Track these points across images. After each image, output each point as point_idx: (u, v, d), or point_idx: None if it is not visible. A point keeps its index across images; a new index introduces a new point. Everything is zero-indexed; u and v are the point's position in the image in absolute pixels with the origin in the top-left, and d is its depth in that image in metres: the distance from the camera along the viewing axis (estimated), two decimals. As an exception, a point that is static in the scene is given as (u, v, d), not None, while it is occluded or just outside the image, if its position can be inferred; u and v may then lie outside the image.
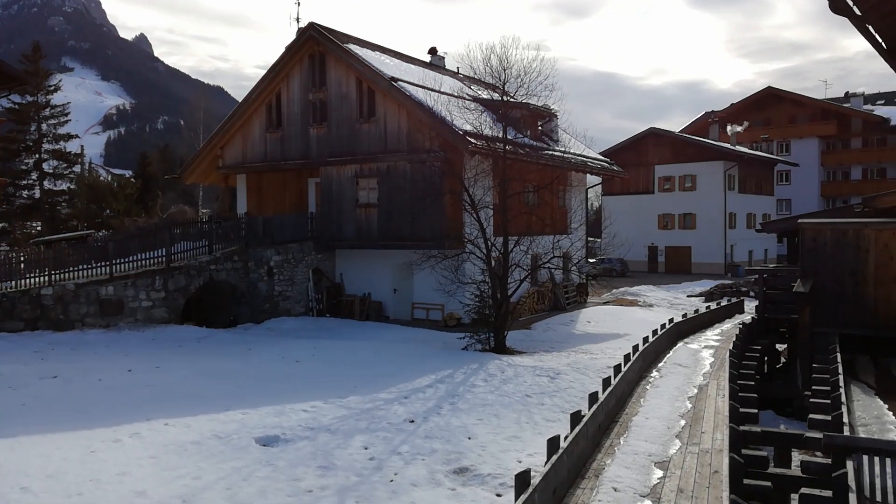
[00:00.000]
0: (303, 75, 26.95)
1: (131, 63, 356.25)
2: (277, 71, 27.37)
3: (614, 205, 51.42)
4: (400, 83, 24.31)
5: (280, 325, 23.25)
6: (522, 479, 5.89)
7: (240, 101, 29.44)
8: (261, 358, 17.54)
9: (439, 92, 24.26)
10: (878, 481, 6.74)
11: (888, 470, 6.82)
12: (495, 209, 21.70)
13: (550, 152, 27.44)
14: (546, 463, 6.71)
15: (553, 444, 7.06)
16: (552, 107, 27.87)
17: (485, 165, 22.40)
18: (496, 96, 22.12)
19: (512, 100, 22.22)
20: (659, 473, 7.68)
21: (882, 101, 63.82)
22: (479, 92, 26.45)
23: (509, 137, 22.12)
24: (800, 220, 15.98)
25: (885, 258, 14.13)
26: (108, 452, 10.28)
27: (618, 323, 25.43)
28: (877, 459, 6.95)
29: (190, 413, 12.43)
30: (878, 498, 6.57)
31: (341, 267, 27.02)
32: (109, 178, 61.81)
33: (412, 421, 12.34)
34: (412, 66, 28.91)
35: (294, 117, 27.38)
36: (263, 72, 28.13)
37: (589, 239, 46.50)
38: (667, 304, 31.93)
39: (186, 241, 23.65)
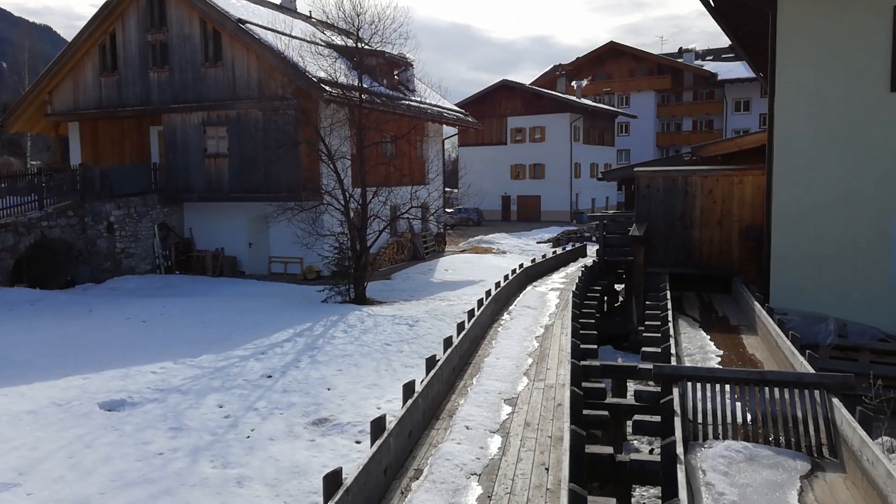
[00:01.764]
0: (140, 14, 24.88)
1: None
2: (112, 8, 25.03)
3: (470, 156, 52.38)
4: (248, 26, 23.12)
5: (124, 285, 21.87)
6: (378, 425, 6.04)
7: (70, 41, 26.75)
8: (103, 320, 16.48)
9: (291, 36, 23.33)
10: (699, 405, 7.54)
11: (708, 394, 7.66)
12: (353, 160, 21.46)
13: (407, 102, 27.37)
14: (402, 407, 6.90)
15: (408, 388, 7.27)
16: (408, 56, 27.74)
17: (341, 114, 21.97)
18: (350, 43, 21.63)
19: (367, 47, 21.83)
20: (508, 410, 8.14)
21: (711, 57, 68.90)
22: (333, 38, 25.72)
23: (365, 86, 21.79)
24: (635, 169, 17.14)
25: (710, 203, 15.52)
26: (-73, 429, 9.38)
27: (474, 270, 26.23)
28: (698, 385, 7.78)
29: (24, 381, 11.57)
30: (700, 420, 7.37)
31: (191, 221, 25.72)
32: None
33: (269, 376, 12.20)
34: (261, 7, 27.50)
35: (132, 60, 25.31)
36: (97, 9, 25.67)
37: (446, 189, 47.24)
38: (518, 250, 33.30)
39: (13, 196, 21.43)
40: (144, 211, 24.00)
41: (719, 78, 60.74)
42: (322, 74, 21.80)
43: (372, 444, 5.85)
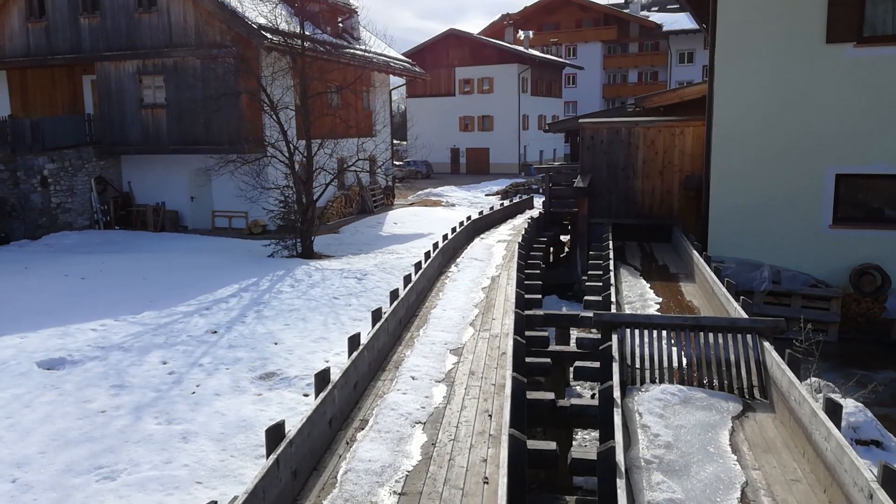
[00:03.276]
0: (67, -46, 23.47)
1: None
2: (36, -52, 23.56)
3: (418, 107, 51.84)
4: (183, -32, 22.07)
5: (61, 241, 21.15)
6: (322, 378, 6.06)
7: (-10, -17, 25.08)
8: (40, 277, 15.95)
9: (228, -19, 22.37)
10: (637, 350, 7.79)
11: (645, 340, 7.91)
12: (297, 110, 20.94)
13: (352, 51, 26.73)
14: (347, 359, 6.93)
15: (353, 341, 7.28)
16: (352, 2, 27.01)
17: (283, 63, 21.34)
18: (291, -12, 20.92)
19: (308, -8, 21.13)
20: (454, 359, 8.25)
21: (656, 8, 69.01)
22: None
23: (308, 33, 21.16)
24: (580, 120, 17.24)
25: (652, 153, 15.76)
26: None
27: (422, 223, 26.21)
28: (636, 332, 8.02)
29: (-46, 342, 11.16)
30: (637, 365, 7.61)
31: (129, 175, 24.87)
32: None
33: (215, 332, 12.06)
34: (197, -50, 26.20)
35: (60, 4, 23.95)
36: (18, -51, 24.06)
37: (395, 142, 46.74)
38: (467, 203, 33.36)
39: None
40: (80, 164, 23.08)
41: (664, 29, 61.01)
42: (262, 21, 21.06)
43: (316, 397, 5.88)
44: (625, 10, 65.33)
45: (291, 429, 5.14)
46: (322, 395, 5.80)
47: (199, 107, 21.94)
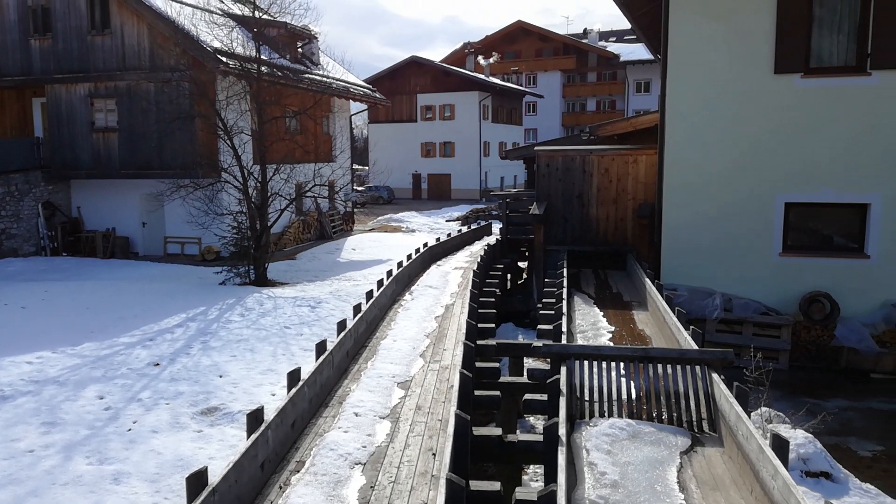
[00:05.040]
0: (18, -25, 22.97)
1: None
2: (-16, -32, 23.00)
3: (381, 133, 51.87)
4: (137, -9, 21.73)
5: (4, 268, 20.37)
6: (255, 418, 5.75)
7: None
8: (-25, 306, 15.27)
9: (184, 3, 22.15)
10: (586, 382, 7.63)
11: (595, 372, 7.76)
12: (253, 135, 20.63)
13: (310, 76, 26.58)
14: (286, 396, 6.63)
15: (293, 376, 6.99)
16: (312, 28, 26.89)
17: (238, 87, 21.06)
18: (248, 12, 20.72)
19: (266, 16, 20.95)
20: (400, 393, 8.00)
21: (614, 39, 70.47)
22: (230, 6, 24.57)
23: (265, 58, 20.96)
24: (536, 148, 17.27)
25: (606, 181, 15.82)
26: None
27: (381, 249, 25.96)
28: (585, 363, 7.87)
29: None
30: (587, 397, 7.45)
31: (79, 199, 24.20)
32: None
33: (157, 364, 11.61)
34: (152, -27, 25.89)
35: (10, 25, 23.39)
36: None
37: (357, 167, 46.48)
38: (427, 228, 33.24)
39: None
40: (27, 189, 22.39)
41: (621, 59, 62.29)
42: (218, 45, 20.80)
43: (248, 438, 5.57)
44: (583, 41, 66.57)
45: (216, 476, 4.83)
46: (254, 436, 5.50)
47: (153, 131, 21.51)
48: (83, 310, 15.14)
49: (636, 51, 60.26)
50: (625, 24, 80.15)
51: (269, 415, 6.03)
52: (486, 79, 52.46)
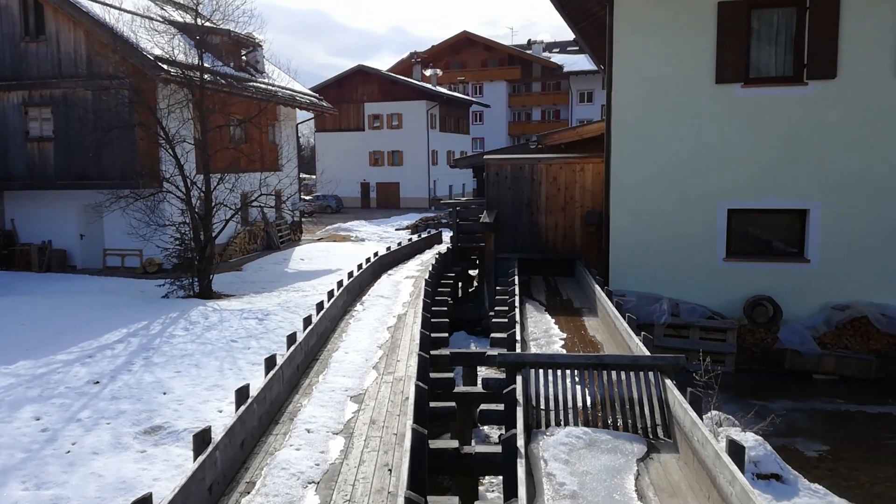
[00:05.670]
0: (-58, -21, 21.90)
1: None
2: None
3: (328, 141, 51.40)
4: (73, -4, 20.97)
5: (-71, 284, 19.32)
6: (201, 439, 5.51)
7: None
8: None
9: (122, 10, 21.46)
10: (542, 391, 7.60)
11: (550, 380, 7.74)
12: (196, 144, 20.10)
13: (255, 84, 26.10)
14: (234, 415, 6.39)
15: (241, 394, 6.75)
16: (256, 36, 26.42)
17: (181, 95, 20.50)
18: (189, 19, 20.22)
19: (208, 24, 20.47)
20: (354, 407, 7.83)
21: (557, 50, 71.65)
22: (171, 13, 23.95)
23: (208, 66, 20.46)
24: (485, 157, 17.33)
25: (554, 190, 15.96)
26: None
27: (331, 259, 25.61)
28: (541, 372, 7.84)
29: None
30: (543, 406, 7.42)
31: (12, 211, 23.18)
32: None
33: (97, 382, 11.12)
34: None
35: (-63, 31, 22.28)
36: None
37: (304, 176, 45.83)
38: (377, 237, 32.99)
39: None
40: (-46, 201, 21.29)
41: (565, 70, 63.35)
42: (159, 52, 20.22)
43: (195, 459, 5.33)
44: (528, 51, 67.44)
45: (163, 501, 4.59)
46: (201, 458, 5.26)
47: (90, 140, 20.75)
48: (17, 326, 14.44)
49: (579, 62, 61.35)
50: (568, 35, 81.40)
51: (217, 434, 5.79)
52: (433, 88, 52.59)
